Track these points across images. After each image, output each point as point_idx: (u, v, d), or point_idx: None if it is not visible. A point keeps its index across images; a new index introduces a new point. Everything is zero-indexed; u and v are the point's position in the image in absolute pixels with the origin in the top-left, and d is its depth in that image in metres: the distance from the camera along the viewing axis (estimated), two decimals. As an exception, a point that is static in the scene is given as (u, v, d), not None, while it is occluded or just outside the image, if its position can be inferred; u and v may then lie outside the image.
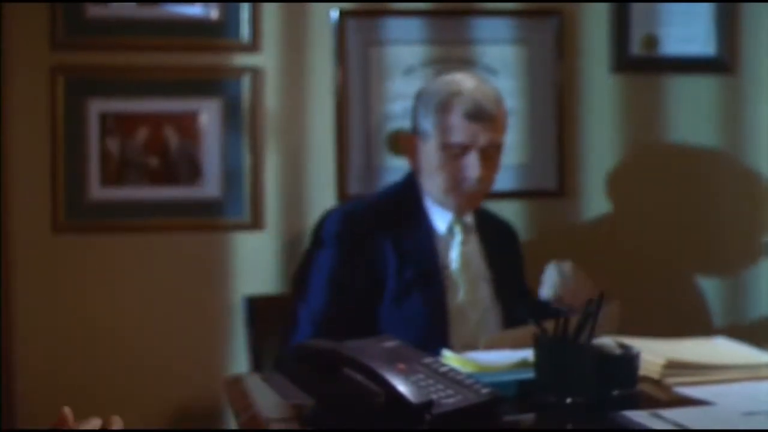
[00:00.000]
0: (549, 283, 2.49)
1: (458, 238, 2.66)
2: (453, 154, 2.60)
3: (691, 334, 2.41)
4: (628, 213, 3.32)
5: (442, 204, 2.65)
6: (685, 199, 3.34)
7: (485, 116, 2.59)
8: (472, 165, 2.59)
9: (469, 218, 2.73)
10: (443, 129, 2.59)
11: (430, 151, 2.62)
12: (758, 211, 3.38)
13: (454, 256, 2.65)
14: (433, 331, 2.56)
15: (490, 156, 2.62)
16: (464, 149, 2.59)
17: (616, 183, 3.30)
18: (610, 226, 3.31)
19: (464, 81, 2.63)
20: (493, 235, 2.78)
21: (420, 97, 2.69)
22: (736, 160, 3.36)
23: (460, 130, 2.58)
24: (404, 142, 2.76)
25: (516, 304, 2.62)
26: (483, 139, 2.59)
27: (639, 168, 3.32)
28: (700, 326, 3.24)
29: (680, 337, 2.35)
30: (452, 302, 2.63)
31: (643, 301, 3.19)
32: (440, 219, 2.67)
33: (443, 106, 2.59)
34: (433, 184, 2.64)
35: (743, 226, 3.38)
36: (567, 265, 2.53)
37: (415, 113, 2.69)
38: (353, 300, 2.56)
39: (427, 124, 2.62)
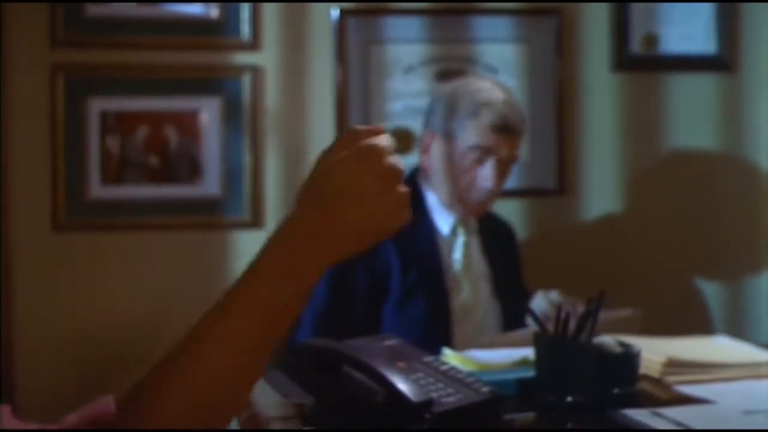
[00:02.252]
0: (539, 313, 2.48)
1: (461, 239, 2.66)
2: (472, 161, 2.59)
3: (691, 334, 2.41)
4: (628, 213, 3.32)
5: (449, 207, 2.65)
6: (687, 200, 3.34)
7: (510, 130, 2.60)
8: (487, 176, 2.59)
9: (471, 219, 2.73)
10: (468, 134, 2.58)
11: (448, 153, 2.61)
12: (760, 213, 3.37)
13: (457, 257, 2.66)
14: (436, 332, 2.56)
15: (504, 168, 2.63)
16: (483, 158, 2.59)
17: (618, 184, 3.30)
18: (610, 224, 3.31)
19: (493, 91, 2.62)
20: (493, 235, 2.78)
21: (445, 98, 2.66)
22: (739, 162, 3.36)
23: (484, 137, 2.58)
24: (422, 140, 2.73)
25: (516, 303, 2.62)
26: (503, 151, 2.60)
27: (641, 169, 3.32)
28: (700, 327, 3.24)
29: (680, 336, 2.34)
30: (455, 303, 2.63)
31: (643, 300, 3.18)
32: (443, 220, 2.67)
33: (473, 113, 2.58)
34: (443, 186, 2.63)
35: (745, 227, 3.37)
36: (554, 293, 2.52)
37: (433, 113, 2.66)
38: (356, 300, 2.56)
39: (452, 126, 2.61)
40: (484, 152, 2.59)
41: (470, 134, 2.59)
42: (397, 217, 1.14)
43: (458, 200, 2.63)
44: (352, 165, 1.13)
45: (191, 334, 1.15)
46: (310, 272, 1.12)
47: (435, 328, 2.57)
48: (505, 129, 2.59)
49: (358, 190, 1.12)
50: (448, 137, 2.62)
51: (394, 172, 1.13)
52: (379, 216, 1.12)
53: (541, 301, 2.50)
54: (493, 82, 2.73)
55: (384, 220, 1.13)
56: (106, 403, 1.17)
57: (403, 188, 1.14)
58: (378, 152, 1.13)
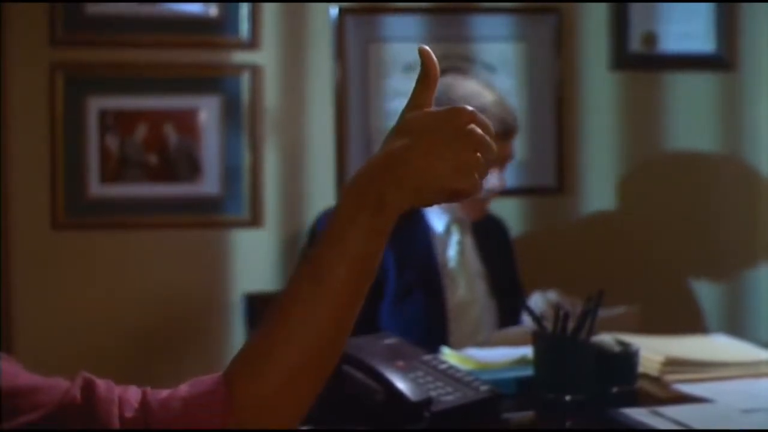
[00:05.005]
0: (537, 312, 2.47)
1: (456, 237, 2.66)
2: None
3: (690, 333, 2.42)
4: (627, 211, 3.32)
5: (448, 210, 2.63)
6: (686, 198, 3.34)
7: (509, 133, 2.58)
8: (491, 180, 2.57)
9: (468, 218, 2.72)
10: None
11: None
12: (759, 211, 3.37)
13: (451, 254, 2.65)
14: (433, 330, 2.55)
15: (505, 166, 2.62)
16: None
17: (617, 183, 3.30)
18: (609, 223, 3.31)
19: (483, 94, 2.57)
20: (486, 232, 2.77)
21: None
22: (738, 161, 3.36)
23: None
24: None
25: (512, 300, 2.61)
26: (504, 154, 2.58)
27: (640, 168, 3.32)
28: (699, 325, 3.24)
29: (679, 335, 2.35)
30: (451, 301, 2.63)
31: (642, 299, 3.19)
32: (437, 218, 2.66)
33: None
34: None
35: (744, 225, 3.37)
36: (552, 293, 2.52)
37: None
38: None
39: None
40: None
41: None
42: (463, 180, 1.13)
43: (463, 206, 2.61)
44: (437, 117, 1.15)
45: (286, 298, 1.16)
46: (379, 210, 1.14)
47: (432, 327, 2.57)
48: (504, 134, 2.57)
49: (433, 141, 1.13)
50: None
51: (475, 137, 1.14)
52: (444, 171, 1.13)
53: (538, 301, 2.50)
54: (479, 82, 2.68)
55: (448, 176, 1.13)
56: (213, 376, 1.20)
57: (480, 157, 1.14)
58: (468, 116, 1.15)
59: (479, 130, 1.14)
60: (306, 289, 1.15)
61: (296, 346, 1.14)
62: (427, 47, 1.20)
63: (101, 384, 1.18)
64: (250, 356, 1.16)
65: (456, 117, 1.15)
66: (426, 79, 1.21)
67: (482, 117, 1.16)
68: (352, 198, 1.15)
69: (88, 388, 1.17)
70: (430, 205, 1.18)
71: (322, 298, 1.14)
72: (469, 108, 1.16)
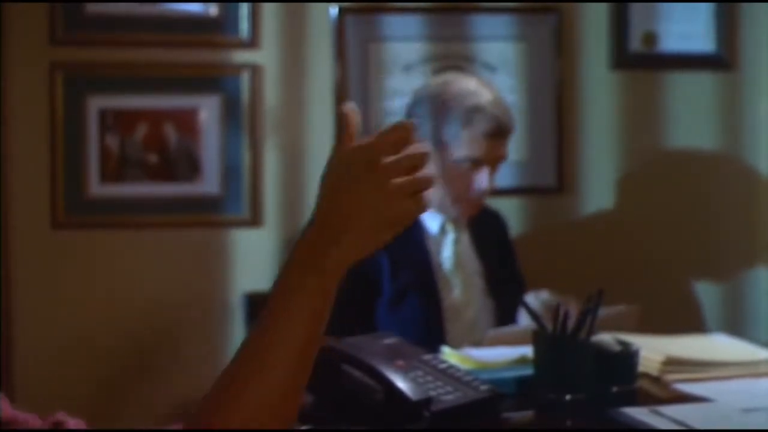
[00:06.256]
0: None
1: (451, 236, 2.64)
2: (466, 167, 2.57)
3: (689, 332, 2.42)
4: (627, 211, 3.32)
5: (442, 211, 2.62)
6: (686, 198, 3.34)
7: (504, 133, 2.57)
8: (483, 179, 2.56)
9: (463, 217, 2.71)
10: (462, 143, 2.54)
11: (440, 160, 2.57)
12: (759, 211, 3.37)
13: (447, 255, 2.64)
14: (429, 332, 2.54)
15: (497, 166, 2.61)
16: (478, 164, 2.56)
17: (617, 182, 3.30)
18: (608, 223, 3.30)
19: (481, 93, 2.57)
20: (483, 227, 2.75)
21: (429, 102, 2.60)
22: (737, 160, 3.35)
23: (479, 146, 2.54)
24: None
25: (511, 298, 2.60)
26: (498, 154, 2.57)
27: (640, 168, 3.32)
28: (698, 325, 3.24)
29: (679, 334, 2.35)
30: (447, 301, 2.61)
31: (642, 298, 3.18)
32: (431, 219, 2.64)
33: (464, 120, 2.54)
34: (436, 192, 2.58)
35: (744, 225, 3.37)
36: (544, 293, 2.51)
37: (418, 118, 2.57)
38: (347, 302, 2.54)
39: (442, 134, 2.56)
40: (479, 161, 2.56)
41: (464, 144, 2.54)
42: (401, 211, 1.20)
43: (454, 204, 2.61)
44: (346, 165, 1.23)
45: (247, 345, 1.20)
46: (322, 272, 1.21)
47: (427, 328, 2.56)
48: (499, 133, 2.56)
49: (353, 191, 1.20)
50: (439, 145, 2.56)
51: (391, 166, 1.18)
52: (374, 217, 1.19)
53: (532, 301, 2.49)
54: (477, 80, 2.67)
55: (383, 220, 1.19)
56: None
57: (408, 178, 1.18)
58: (374, 149, 1.20)
59: (391, 157, 1.16)
60: (266, 340, 1.19)
61: (261, 391, 1.17)
62: (351, 108, 1.25)
63: (71, 425, 1.19)
64: (214, 402, 1.18)
65: (362, 156, 1.21)
66: (344, 136, 1.28)
67: (390, 133, 1.18)
68: (296, 265, 1.22)
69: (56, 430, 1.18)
70: (380, 247, 1.22)
71: (280, 346, 1.18)
72: (369, 136, 1.20)
